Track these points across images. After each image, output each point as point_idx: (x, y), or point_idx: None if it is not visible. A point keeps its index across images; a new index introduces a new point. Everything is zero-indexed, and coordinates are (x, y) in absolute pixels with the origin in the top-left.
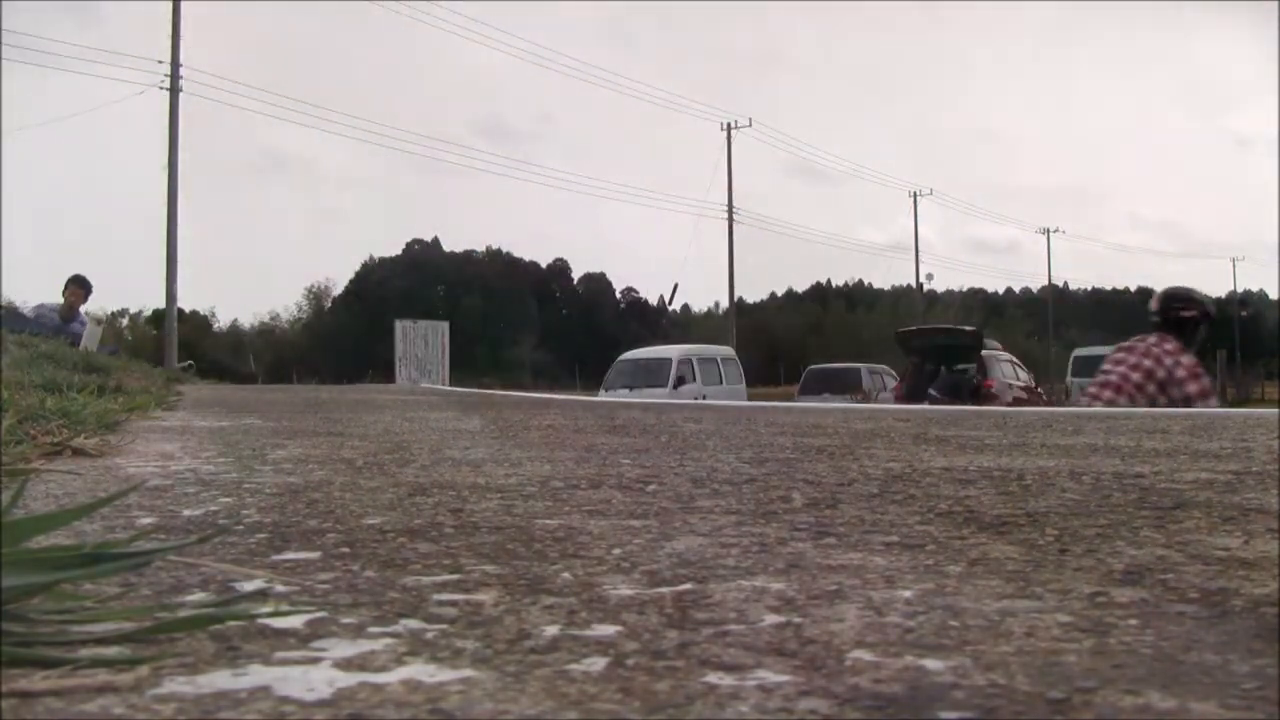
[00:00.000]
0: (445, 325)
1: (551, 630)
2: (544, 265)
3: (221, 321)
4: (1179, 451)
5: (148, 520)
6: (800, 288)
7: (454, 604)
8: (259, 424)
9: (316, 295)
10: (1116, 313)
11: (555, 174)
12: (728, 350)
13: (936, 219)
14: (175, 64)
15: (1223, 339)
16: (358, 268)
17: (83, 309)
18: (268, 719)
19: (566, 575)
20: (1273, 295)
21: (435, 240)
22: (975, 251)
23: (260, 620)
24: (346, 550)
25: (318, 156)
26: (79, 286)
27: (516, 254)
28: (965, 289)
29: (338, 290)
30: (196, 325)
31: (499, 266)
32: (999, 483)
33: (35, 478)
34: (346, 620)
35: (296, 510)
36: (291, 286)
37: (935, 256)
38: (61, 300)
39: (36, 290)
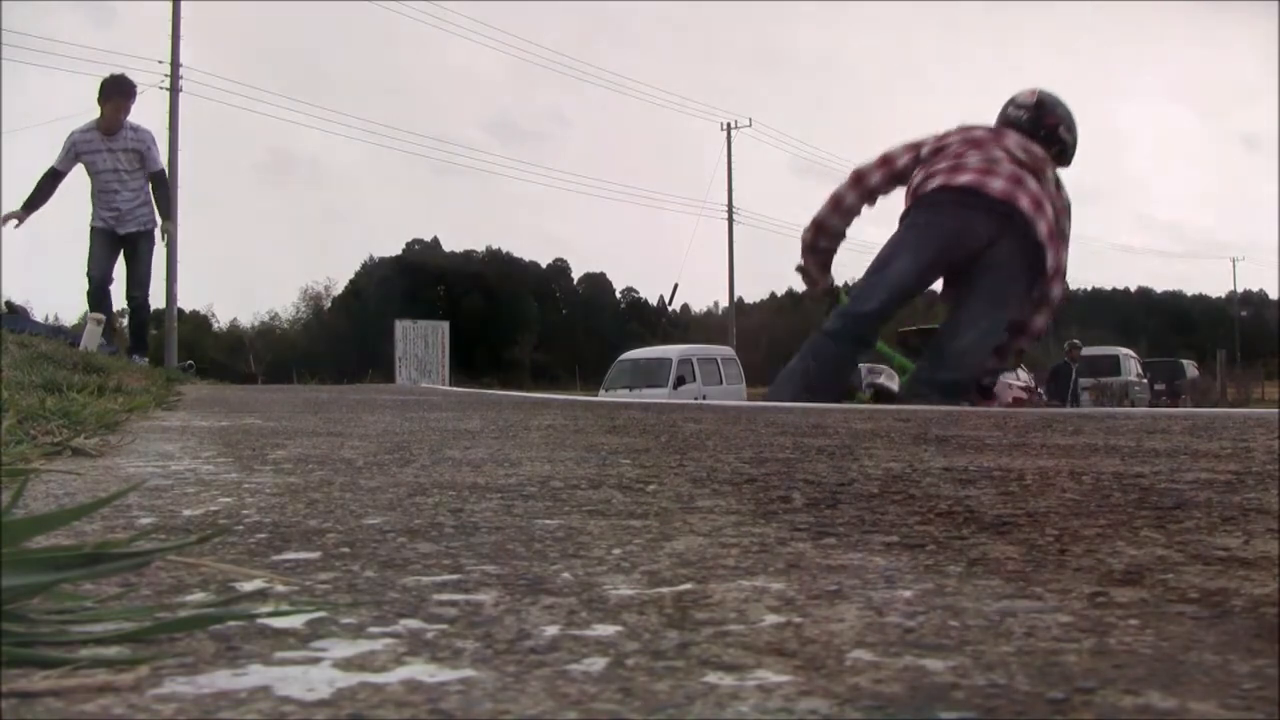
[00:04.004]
0: (445, 325)
1: (551, 630)
2: (544, 265)
3: (221, 321)
4: (1179, 451)
5: (148, 520)
6: (800, 288)
7: (454, 604)
8: (259, 424)
9: (313, 298)
10: (1116, 312)
11: (556, 173)
12: (728, 350)
13: None
14: (175, 64)
15: (1223, 339)
16: (358, 268)
17: (131, 118)
18: (268, 719)
19: (566, 575)
20: (1273, 295)
21: (435, 240)
22: None
23: (260, 620)
24: (346, 550)
25: (319, 156)
26: (119, 94)
27: (516, 254)
28: None
29: (338, 290)
30: (196, 325)
31: (499, 266)
32: (999, 483)
33: (35, 478)
34: (346, 620)
35: (296, 510)
36: (291, 286)
37: None
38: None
39: (35, 293)
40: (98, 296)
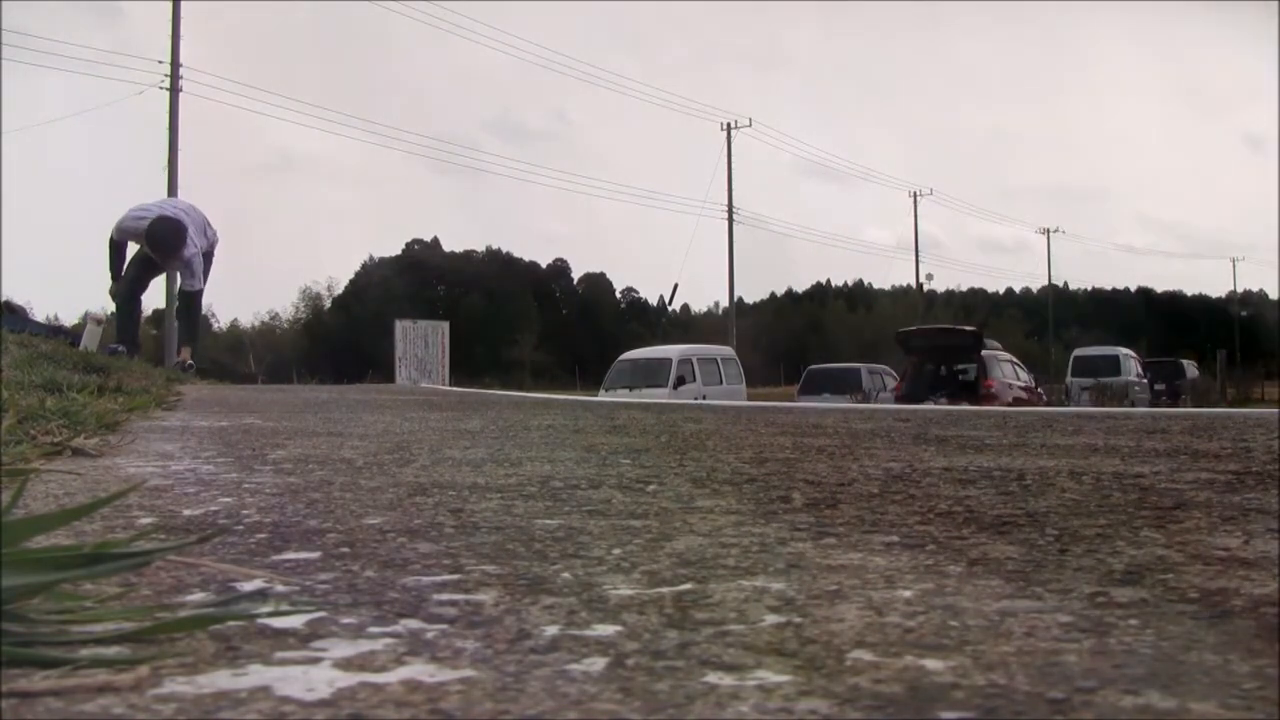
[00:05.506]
0: (445, 325)
1: (551, 630)
2: (544, 265)
3: (221, 321)
4: (1179, 451)
5: (148, 520)
6: (800, 288)
7: (454, 604)
8: (259, 424)
9: (312, 298)
10: (1116, 313)
11: (556, 174)
12: (728, 350)
13: (945, 219)
14: (175, 64)
15: (1223, 339)
16: (358, 268)
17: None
18: (268, 719)
19: (566, 575)
20: (1273, 295)
21: (435, 240)
22: (984, 252)
23: (260, 620)
24: (346, 550)
25: (319, 155)
26: (157, 251)
27: (516, 254)
28: (965, 289)
29: (338, 290)
30: None
31: (499, 266)
32: (999, 483)
33: (35, 478)
34: (346, 620)
35: (296, 510)
36: (291, 286)
37: (943, 257)
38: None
39: (34, 292)
40: (122, 301)
